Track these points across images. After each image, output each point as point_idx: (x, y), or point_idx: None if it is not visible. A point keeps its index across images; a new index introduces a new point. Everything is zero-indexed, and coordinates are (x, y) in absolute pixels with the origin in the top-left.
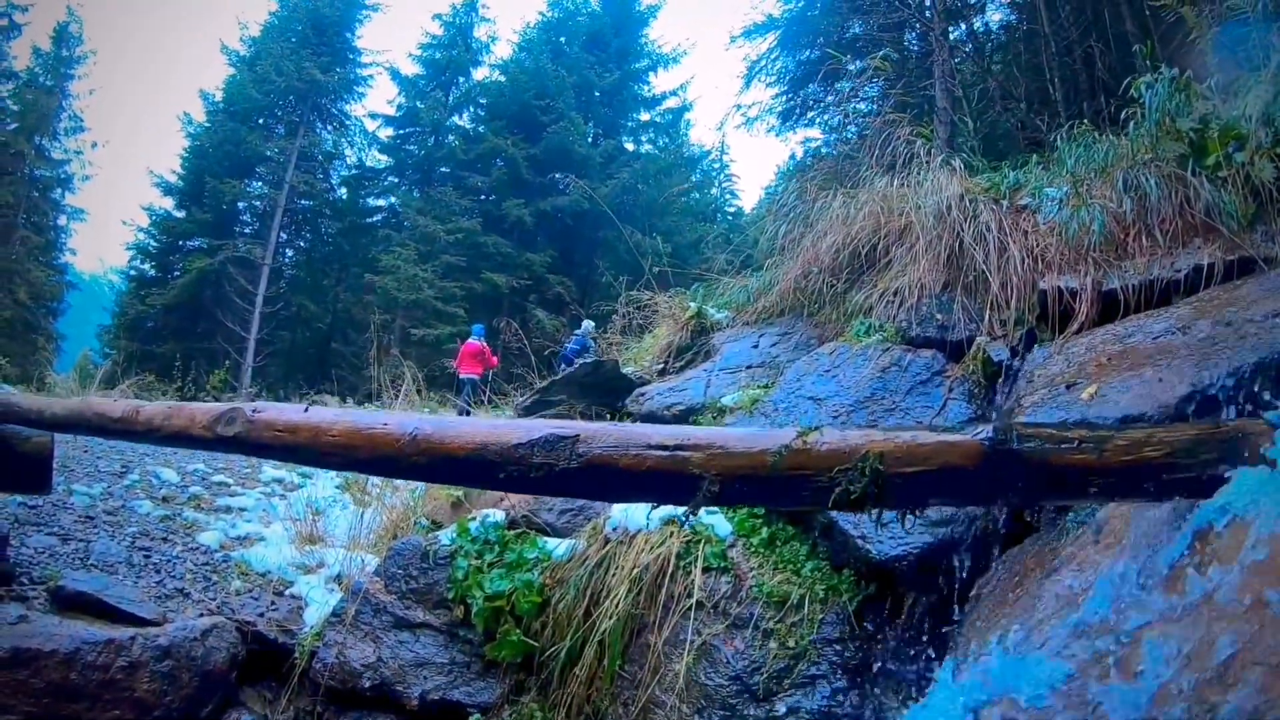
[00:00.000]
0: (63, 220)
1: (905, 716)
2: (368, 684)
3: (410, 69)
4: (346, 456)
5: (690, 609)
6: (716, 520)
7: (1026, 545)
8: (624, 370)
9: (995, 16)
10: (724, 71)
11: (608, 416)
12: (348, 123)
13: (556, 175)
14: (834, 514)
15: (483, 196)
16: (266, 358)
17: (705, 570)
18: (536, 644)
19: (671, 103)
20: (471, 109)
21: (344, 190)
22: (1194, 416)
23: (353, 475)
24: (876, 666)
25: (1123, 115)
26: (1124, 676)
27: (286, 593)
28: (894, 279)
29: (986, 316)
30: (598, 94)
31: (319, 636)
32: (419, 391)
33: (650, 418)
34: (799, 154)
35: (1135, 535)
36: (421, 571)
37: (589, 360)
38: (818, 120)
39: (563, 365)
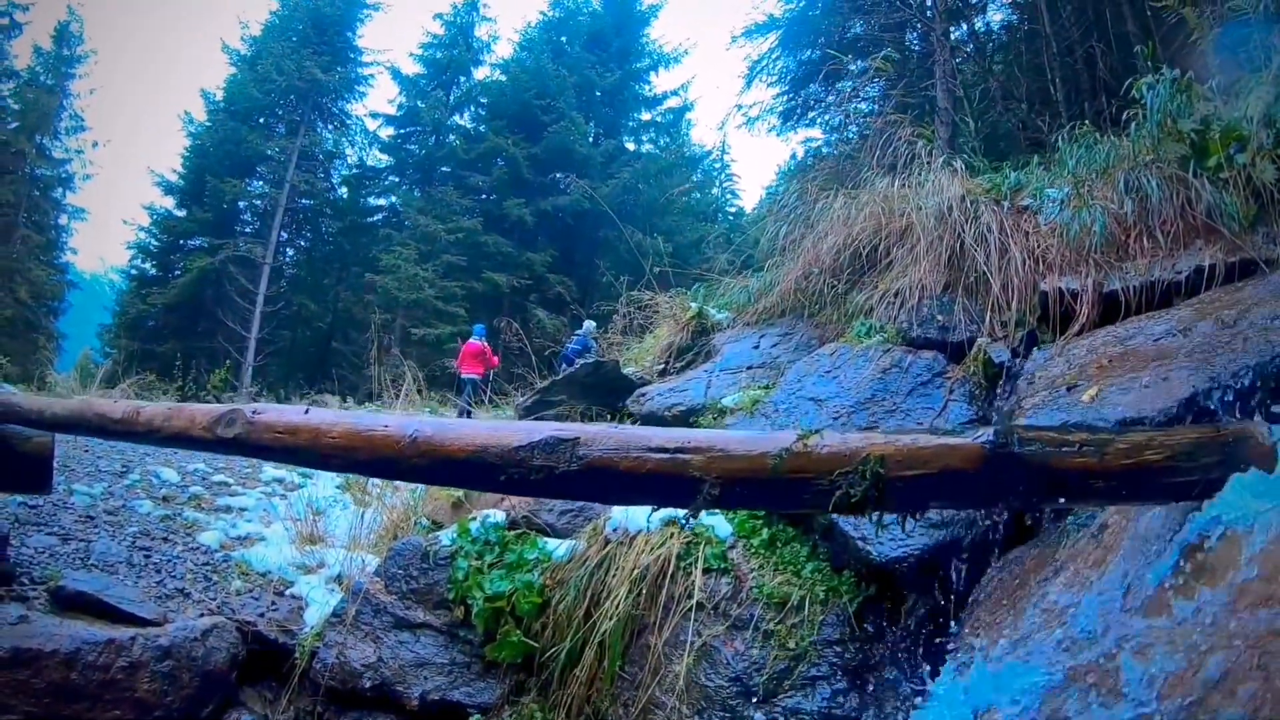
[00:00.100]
0: (64, 219)
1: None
2: (368, 684)
3: (411, 68)
4: (346, 458)
5: (690, 610)
6: (717, 521)
7: (1027, 548)
8: (625, 370)
9: (996, 16)
10: (725, 71)
11: (608, 417)
12: (348, 122)
13: (557, 175)
14: (834, 516)
15: (483, 196)
16: (267, 357)
17: (706, 571)
18: (537, 645)
19: (673, 102)
20: (472, 108)
21: (345, 189)
22: (1194, 420)
23: (353, 476)
24: (877, 668)
25: (1124, 116)
26: (1105, 698)
27: (287, 593)
28: (895, 280)
29: (987, 318)
30: (599, 93)
31: (319, 637)
32: (419, 391)
33: (651, 418)
34: (800, 154)
35: (1130, 544)
36: (422, 572)
37: (590, 360)
38: (819, 120)
39: (564, 365)
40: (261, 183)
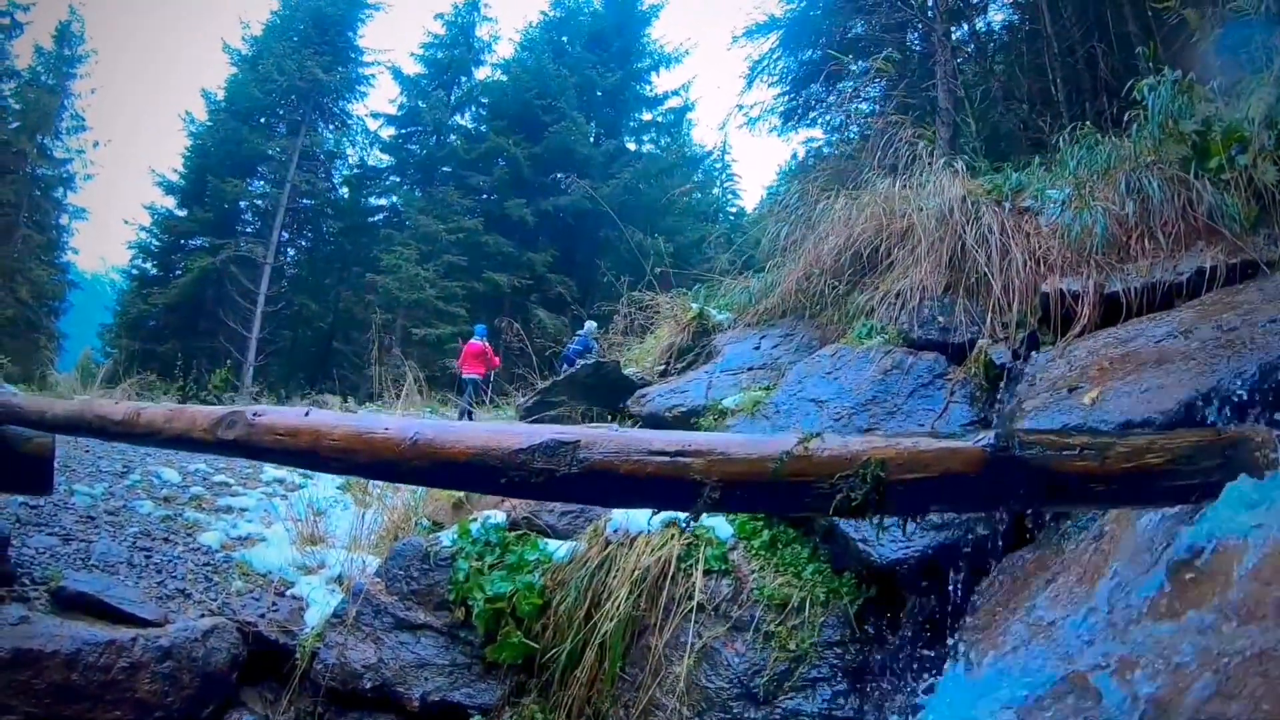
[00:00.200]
0: (64, 219)
1: None
2: (368, 685)
3: (412, 68)
4: (347, 461)
5: (691, 611)
6: (717, 523)
7: (1027, 550)
8: (625, 371)
9: (997, 17)
10: (726, 71)
11: (609, 418)
12: (349, 122)
13: (558, 175)
14: (835, 519)
15: (484, 196)
16: (268, 357)
17: (706, 573)
18: (537, 646)
19: (673, 102)
20: (473, 108)
21: (346, 189)
22: (1195, 423)
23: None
24: (877, 669)
25: (1125, 117)
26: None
27: (288, 593)
28: (896, 281)
29: (988, 319)
30: (600, 94)
31: (320, 637)
32: (420, 391)
33: (651, 419)
34: (801, 154)
35: (1124, 553)
36: (422, 573)
37: (591, 361)
38: (820, 121)
39: (565, 366)
40: (262, 182)
